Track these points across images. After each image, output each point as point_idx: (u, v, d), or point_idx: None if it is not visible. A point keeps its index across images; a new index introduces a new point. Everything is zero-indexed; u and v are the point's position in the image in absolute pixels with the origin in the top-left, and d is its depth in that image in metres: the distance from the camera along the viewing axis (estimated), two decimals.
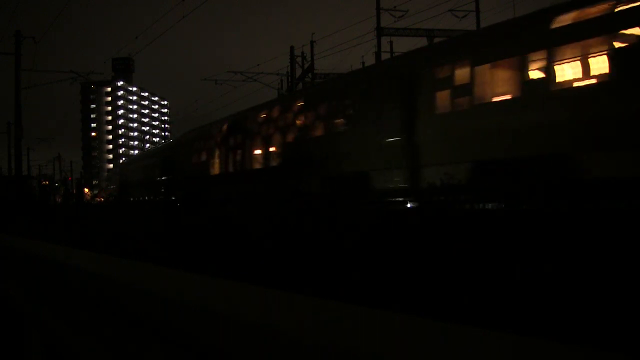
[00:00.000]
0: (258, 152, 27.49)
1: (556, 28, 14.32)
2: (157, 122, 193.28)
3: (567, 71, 14.08)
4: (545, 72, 14.28)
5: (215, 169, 31.68)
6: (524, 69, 14.87)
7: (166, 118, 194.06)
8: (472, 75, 16.13)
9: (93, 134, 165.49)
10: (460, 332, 1.70)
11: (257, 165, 27.30)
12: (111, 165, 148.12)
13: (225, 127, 31.19)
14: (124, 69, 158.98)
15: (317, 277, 4.26)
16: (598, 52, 13.39)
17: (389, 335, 1.78)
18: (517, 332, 1.81)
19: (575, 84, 13.96)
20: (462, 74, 16.49)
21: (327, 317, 2.06)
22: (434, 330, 1.76)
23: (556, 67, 14.14)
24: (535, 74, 14.67)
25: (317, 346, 1.76)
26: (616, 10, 13.14)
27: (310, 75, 44.19)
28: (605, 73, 13.15)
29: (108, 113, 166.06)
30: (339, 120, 22.02)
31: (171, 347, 2.61)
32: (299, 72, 44.24)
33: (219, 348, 2.26)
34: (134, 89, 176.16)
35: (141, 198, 46.08)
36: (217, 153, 31.76)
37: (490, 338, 1.60)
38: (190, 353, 2.44)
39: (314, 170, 22.39)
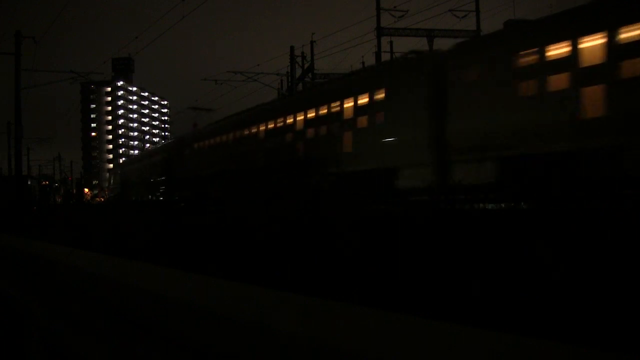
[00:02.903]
0: None
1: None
2: (157, 122, 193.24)
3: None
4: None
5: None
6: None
7: (166, 118, 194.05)
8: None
9: (93, 134, 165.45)
10: (460, 332, 1.69)
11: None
12: (111, 165, 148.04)
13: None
14: (124, 69, 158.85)
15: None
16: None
17: (389, 335, 1.78)
18: (517, 332, 1.81)
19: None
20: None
21: (327, 317, 2.06)
22: (433, 330, 1.75)
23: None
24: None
25: (317, 346, 1.76)
26: None
27: (310, 75, 44.16)
28: None
29: (108, 113, 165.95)
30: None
31: (171, 347, 2.61)
32: (299, 72, 44.22)
33: (218, 348, 2.26)
34: (134, 89, 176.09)
35: (142, 197, 46.58)
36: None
37: (490, 338, 1.60)
38: (190, 353, 2.44)
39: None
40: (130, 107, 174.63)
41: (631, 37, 13.20)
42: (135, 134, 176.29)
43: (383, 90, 20.47)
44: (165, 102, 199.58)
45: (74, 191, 70.73)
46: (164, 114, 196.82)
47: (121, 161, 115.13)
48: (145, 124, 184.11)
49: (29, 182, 54.18)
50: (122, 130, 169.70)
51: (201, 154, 37.47)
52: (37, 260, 5.91)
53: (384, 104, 20.25)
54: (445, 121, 17.45)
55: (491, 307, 3.42)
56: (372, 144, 20.50)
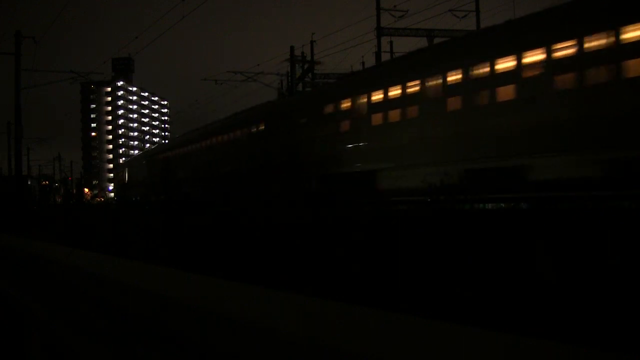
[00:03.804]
0: None
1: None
2: (157, 122, 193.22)
3: None
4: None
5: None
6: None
7: (166, 118, 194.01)
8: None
9: (93, 134, 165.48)
10: (460, 332, 1.69)
11: None
12: (111, 165, 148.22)
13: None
14: (124, 69, 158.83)
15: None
16: None
17: (388, 335, 1.78)
18: (516, 332, 1.81)
19: None
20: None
21: (326, 317, 2.06)
22: (433, 330, 1.75)
23: None
24: None
25: (317, 346, 1.76)
26: None
27: (310, 75, 44.18)
28: None
29: (108, 113, 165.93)
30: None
31: (171, 347, 2.61)
32: (299, 72, 44.21)
33: (219, 348, 2.26)
34: (134, 89, 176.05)
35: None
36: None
37: (490, 338, 1.60)
38: (190, 353, 2.44)
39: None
40: (130, 107, 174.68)
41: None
42: (135, 134, 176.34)
43: None
44: (165, 102, 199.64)
45: (74, 191, 70.76)
46: (164, 114, 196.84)
47: (121, 161, 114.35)
48: (145, 124, 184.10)
49: (29, 182, 54.17)
50: (122, 130, 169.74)
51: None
52: (37, 260, 5.91)
53: None
54: None
55: (491, 307, 3.42)
56: None
